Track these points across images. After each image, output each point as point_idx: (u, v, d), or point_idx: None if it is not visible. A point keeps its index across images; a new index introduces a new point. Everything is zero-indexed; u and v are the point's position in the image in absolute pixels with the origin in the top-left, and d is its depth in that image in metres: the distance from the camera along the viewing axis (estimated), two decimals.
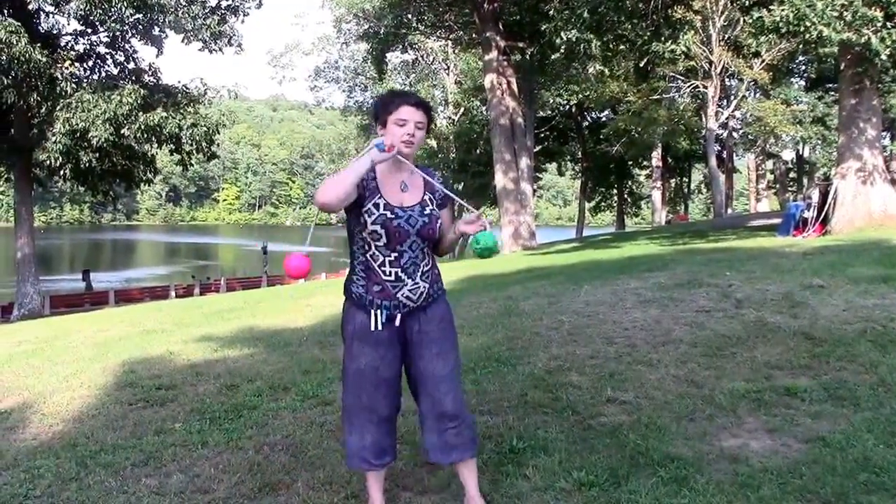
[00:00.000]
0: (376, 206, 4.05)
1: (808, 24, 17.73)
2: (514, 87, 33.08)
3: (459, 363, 4.39)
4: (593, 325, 9.15)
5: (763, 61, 43.46)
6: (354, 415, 4.28)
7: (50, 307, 33.96)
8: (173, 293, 40.94)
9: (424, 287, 4.19)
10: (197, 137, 29.89)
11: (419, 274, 4.16)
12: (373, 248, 4.10)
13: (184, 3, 29.80)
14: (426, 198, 4.19)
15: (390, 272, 4.11)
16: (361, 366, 4.19)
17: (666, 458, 4.88)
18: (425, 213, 4.13)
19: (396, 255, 4.10)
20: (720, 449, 5.07)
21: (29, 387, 8.25)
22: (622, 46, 24.14)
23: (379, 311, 4.14)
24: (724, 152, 59.77)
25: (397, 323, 4.18)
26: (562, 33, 21.73)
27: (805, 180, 62.37)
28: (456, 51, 51.28)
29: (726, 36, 42.95)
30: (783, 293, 9.88)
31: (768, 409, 5.80)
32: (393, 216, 4.05)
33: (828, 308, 8.90)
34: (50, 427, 6.57)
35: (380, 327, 4.14)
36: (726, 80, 48.94)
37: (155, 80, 31.55)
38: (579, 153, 65.26)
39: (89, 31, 30.91)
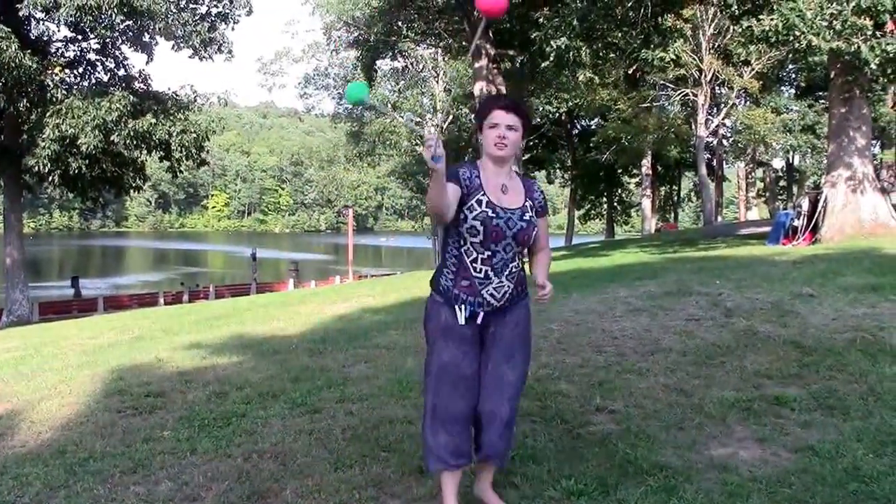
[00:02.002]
0: (479, 202, 4.11)
1: (797, 33, 17.75)
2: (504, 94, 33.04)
3: (526, 371, 4.42)
4: (582, 333, 9.15)
5: (753, 70, 43.43)
6: (436, 413, 4.26)
7: (39, 314, 33.91)
8: (162, 300, 40.92)
9: (509, 287, 4.23)
10: (186, 144, 30.05)
11: (506, 273, 4.20)
12: (468, 243, 4.15)
13: (174, 10, 29.96)
14: (527, 203, 4.25)
15: (480, 269, 4.17)
16: (444, 361, 4.22)
17: (655, 467, 4.89)
18: (524, 218, 4.19)
19: (490, 253, 4.15)
20: (709, 458, 5.07)
21: (17, 394, 8.22)
22: (612, 54, 24.18)
23: (463, 307, 4.20)
24: (714, 160, 59.84)
25: (479, 321, 4.22)
26: (552, 41, 21.73)
27: (795, 189, 62.51)
28: (446, 58, 51.16)
29: (716, 44, 42.94)
30: (773, 302, 9.97)
31: (757, 418, 5.82)
32: (494, 215, 4.11)
33: (817, 317, 8.97)
34: (38, 434, 6.53)
35: (463, 322, 4.19)
36: (716, 88, 48.85)
37: (145, 87, 31.75)
38: (569, 161, 65.14)
39: (79, 37, 31.13)
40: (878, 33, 17.81)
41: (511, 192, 4.21)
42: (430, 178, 3.89)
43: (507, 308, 4.27)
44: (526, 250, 4.35)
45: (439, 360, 4.23)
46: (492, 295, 4.18)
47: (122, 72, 32.27)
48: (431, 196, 3.92)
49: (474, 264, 4.15)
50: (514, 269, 4.23)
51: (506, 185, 4.21)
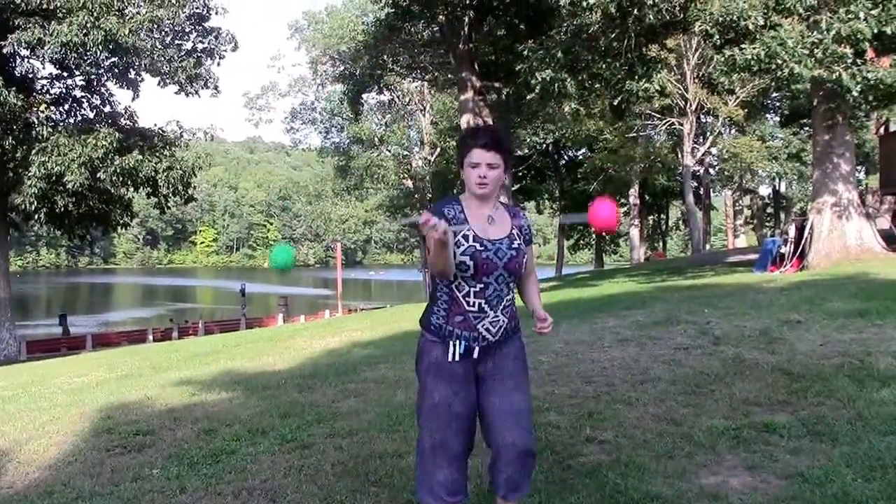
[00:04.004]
0: (465, 237, 4.06)
1: (779, 61, 17.76)
2: None
3: (529, 398, 4.33)
4: (572, 364, 9.15)
5: (737, 98, 43.64)
6: (428, 452, 4.19)
7: (26, 352, 33.50)
8: (151, 336, 40.52)
9: (504, 321, 4.18)
10: (173, 180, 30.03)
11: (501, 307, 4.15)
12: (458, 278, 4.09)
13: (159, 47, 30.00)
14: (514, 232, 4.19)
15: (474, 303, 4.10)
16: (435, 401, 4.15)
17: (646, 497, 4.87)
18: (513, 246, 4.13)
19: (482, 286, 4.09)
20: (699, 487, 5.05)
21: (4, 434, 8.11)
22: (597, 85, 24.14)
23: (458, 343, 4.13)
24: (701, 189, 59.90)
25: (475, 355, 4.15)
26: (536, 73, 21.76)
27: (782, 216, 62.67)
28: (432, 91, 51.33)
29: (700, 73, 43.14)
30: (761, 329, 9.99)
31: (747, 445, 5.80)
32: (482, 248, 4.05)
33: (805, 343, 8.98)
34: (26, 475, 6.46)
35: (457, 358, 4.12)
36: (702, 117, 49.06)
37: (131, 124, 31.68)
38: (557, 191, 65.29)
39: (65, 74, 31.10)
40: (858, 61, 17.90)
41: (497, 223, 4.17)
42: (430, 244, 3.86)
43: (504, 342, 4.22)
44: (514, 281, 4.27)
45: (431, 399, 4.17)
46: (487, 329, 4.14)
47: (107, 108, 32.28)
48: (437, 262, 3.92)
49: (467, 298, 4.10)
50: (507, 303, 4.18)
51: (491, 216, 4.17)
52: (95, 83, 31.42)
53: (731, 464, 5.48)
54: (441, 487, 4.16)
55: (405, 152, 58.36)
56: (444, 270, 3.97)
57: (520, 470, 4.15)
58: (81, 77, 30.54)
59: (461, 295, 4.11)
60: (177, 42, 32.19)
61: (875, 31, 17.29)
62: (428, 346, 4.24)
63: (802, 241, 22.12)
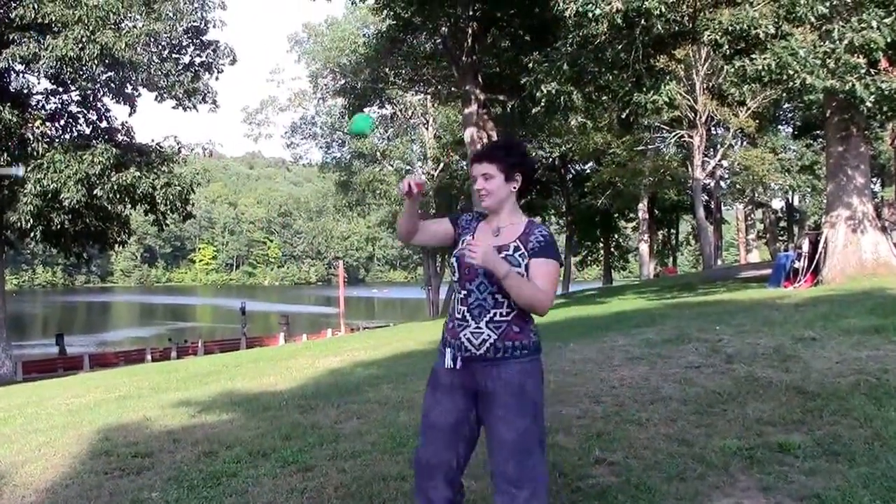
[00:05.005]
0: (463, 241, 4.19)
1: (791, 72, 17.61)
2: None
3: (533, 431, 4.09)
4: (580, 383, 8.98)
5: (748, 109, 43.31)
6: (414, 463, 4.29)
7: (22, 373, 33.37)
8: (149, 356, 40.51)
9: (490, 336, 4.04)
10: (171, 197, 30.08)
11: (485, 320, 4.05)
12: (454, 283, 4.21)
13: (156, 61, 30.06)
14: (513, 244, 4.08)
15: (460, 310, 4.12)
16: (423, 409, 4.26)
17: None
18: (499, 255, 3.96)
19: (465, 293, 4.10)
20: None
21: (0, 456, 7.91)
22: (604, 97, 23.80)
23: (448, 350, 4.14)
24: (712, 203, 59.66)
25: (457, 366, 4.10)
26: (542, 86, 21.53)
27: (796, 230, 62.32)
28: (435, 105, 51.22)
29: (710, 84, 42.78)
30: (774, 347, 9.84)
31: (761, 466, 5.75)
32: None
33: (820, 361, 8.87)
34: (22, 498, 6.39)
35: (448, 365, 4.12)
36: (712, 129, 48.85)
37: (128, 139, 31.77)
38: (564, 206, 65.21)
39: (60, 89, 31.13)
40: (871, 71, 17.68)
41: (503, 235, 4.13)
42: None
43: (500, 363, 4.04)
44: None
45: (422, 407, 4.26)
46: (469, 340, 4.05)
47: (104, 124, 32.25)
48: (399, 219, 4.27)
49: (456, 305, 4.14)
50: (496, 318, 4.04)
51: (500, 227, 4.17)
52: (91, 98, 31.42)
53: (745, 485, 5.43)
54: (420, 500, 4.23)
55: (408, 167, 58.21)
56: (402, 231, 4.27)
57: (510, 498, 4.02)
58: (77, 92, 30.59)
59: (454, 301, 4.20)
60: (174, 56, 32.22)
61: (888, 40, 17.02)
62: (438, 353, 4.29)
63: (817, 256, 21.87)
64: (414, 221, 4.22)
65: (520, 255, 4.01)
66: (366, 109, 44.34)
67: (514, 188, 4.19)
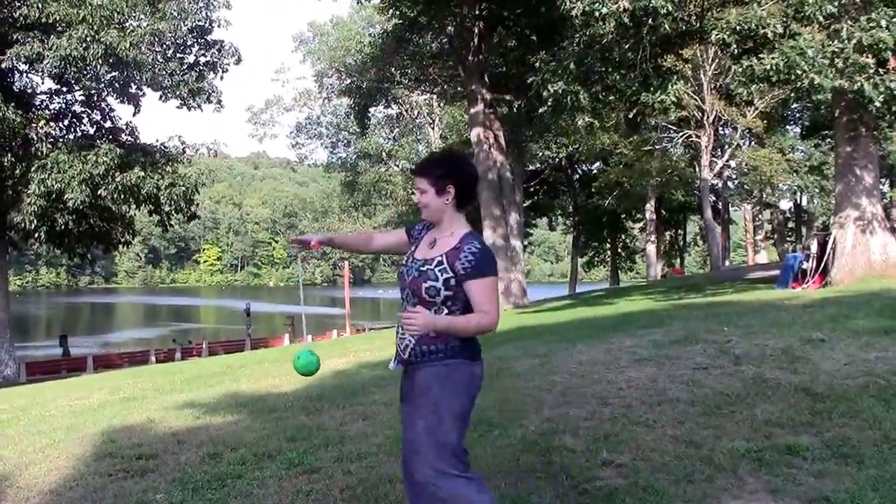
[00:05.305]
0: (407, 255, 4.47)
1: (799, 72, 17.53)
2: (502, 140, 32.89)
3: (430, 433, 4.17)
4: (587, 385, 8.96)
5: (756, 109, 43.10)
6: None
7: (26, 374, 33.20)
8: (153, 358, 40.25)
9: (410, 341, 4.25)
10: (176, 197, 29.99)
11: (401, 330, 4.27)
12: None
13: (161, 60, 30.06)
14: (439, 258, 4.25)
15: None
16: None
17: None
18: (423, 269, 4.25)
19: (402, 302, 4.36)
20: None
21: (4, 458, 7.93)
22: (611, 97, 23.72)
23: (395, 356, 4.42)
24: (720, 203, 59.46)
25: (391, 366, 4.45)
26: (548, 85, 21.50)
27: (804, 230, 62.15)
28: (441, 104, 51.18)
29: (718, 84, 42.62)
30: (783, 348, 9.74)
31: (770, 468, 5.76)
32: (403, 264, 4.42)
33: (829, 362, 8.82)
34: (26, 500, 6.43)
35: (391, 367, 4.46)
36: (720, 128, 48.69)
37: (132, 139, 31.70)
38: (570, 207, 65.18)
39: (64, 89, 31.17)
40: (880, 71, 17.55)
41: (438, 245, 4.33)
42: None
43: (418, 367, 4.27)
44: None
45: None
46: (399, 345, 4.35)
47: (108, 124, 32.20)
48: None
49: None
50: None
51: (437, 239, 4.36)
52: (96, 98, 31.36)
53: (753, 487, 5.45)
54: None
55: (413, 167, 57.82)
56: (355, 251, 4.28)
57: (413, 500, 4.26)
58: (81, 92, 30.48)
59: None
60: (179, 55, 32.18)
61: None
62: None
63: (825, 257, 21.73)
64: (357, 246, 4.84)
65: (440, 271, 4.19)
66: (371, 109, 44.24)
67: (447, 200, 4.35)
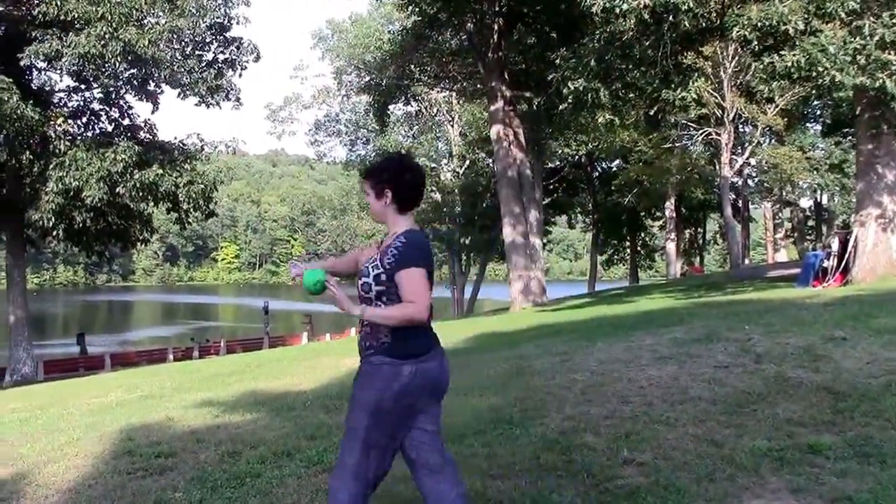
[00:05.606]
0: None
1: (820, 69, 17.47)
2: (522, 137, 32.73)
3: (352, 426, 4.33)
4: (608, 383, 9.04)
5: (777, 107, 42.88)
6: None
7: (43, 373, 33.33)
8: (171, 356, 40.38)
9: (360, 342, 4.41)
10: (194, 195, 30.05)
11: (362, 324, 4.38)
12: None
13: (179, 58, 29.99)
14: (375, 257, 4.37)
15: None
16: None
17: None
18: (366, 269, 4.36)
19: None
20: None
21: (23, 456, 8.05)
22: (631, 94, 23.62)
23: None
24: (740, 201, 59.18)
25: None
26: (569, 82, 21.47)
27: (824, 228, 61.81)
28: (460, 101, 51.01)
29: (738, 81, 42.38)
30: (804, 346, 9.71)
31: (791, 467, 5.74)
32: (361, 268, 4.43)
33: (851, 361, 8.77)
34: (45, 498, 6.45)
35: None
36: (740, 126, 48.48)
37: (150, 137, 31.76)
38: (590, 205, 64.96)
39: (83, 87, 31.32)
40: None
41: (383, 245, 4.45)
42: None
43: (362, 362, 4.38)
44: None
45: None
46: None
47: (126, 121, 32.26)
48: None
49: None
50: (364, 324, 4.35)
51: (383, 240, 4.53)
52: (114, 95, 31.32)
53: (775, 486, 5.42)
54: None
55: (433, 164, 58.03)
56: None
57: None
58: (100, 89, 30.53)
59: None
60: (197, 53, 32.09)
61: None
62: None
63: (846, 255, 21.64)
64: (349, 270, 4.76)
65: (372, 267, 4.31)
66: (390, 106, 44.13)
67: (387, 203, 4.45)
